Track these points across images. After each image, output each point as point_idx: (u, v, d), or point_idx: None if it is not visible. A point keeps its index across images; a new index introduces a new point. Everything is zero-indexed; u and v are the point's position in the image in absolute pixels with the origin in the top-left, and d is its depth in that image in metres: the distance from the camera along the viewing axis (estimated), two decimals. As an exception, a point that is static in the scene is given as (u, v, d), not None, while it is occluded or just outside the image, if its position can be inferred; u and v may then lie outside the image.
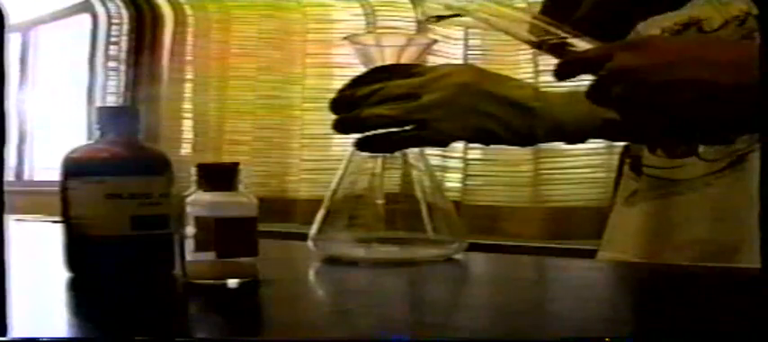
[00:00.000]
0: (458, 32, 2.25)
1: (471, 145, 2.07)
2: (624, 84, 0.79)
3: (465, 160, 2.24)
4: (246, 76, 2.72)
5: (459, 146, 2.17)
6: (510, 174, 2.18)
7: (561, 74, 0.83)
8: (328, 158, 2.40)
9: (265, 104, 2.68)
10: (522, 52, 2.15)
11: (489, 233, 2.15)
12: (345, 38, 0.96)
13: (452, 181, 2.26)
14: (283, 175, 2.63)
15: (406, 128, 0.87)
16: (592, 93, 0.81)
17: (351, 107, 0.88)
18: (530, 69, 2.12)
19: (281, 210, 2.49)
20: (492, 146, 0.90)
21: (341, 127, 0.89)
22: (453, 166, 2.26)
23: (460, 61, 2.18)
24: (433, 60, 2.17)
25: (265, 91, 2.68)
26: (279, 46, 2.66)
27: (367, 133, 0.88)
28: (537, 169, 2.12)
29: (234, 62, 2.75)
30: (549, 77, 2.17)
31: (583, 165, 2.04)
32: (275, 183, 2.62)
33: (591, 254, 1.16)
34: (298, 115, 2.59)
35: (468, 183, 2.23)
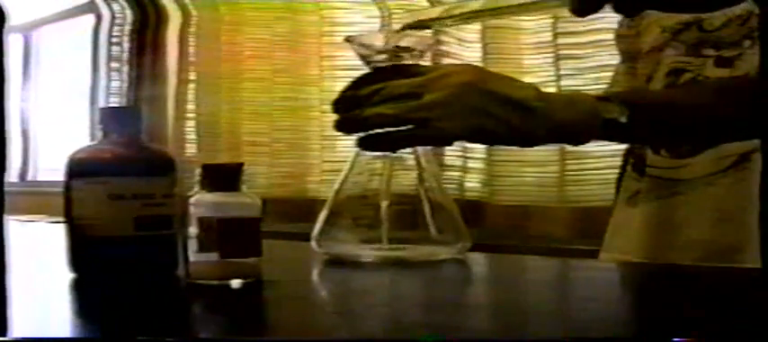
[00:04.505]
0: (475, 35, 2.24)
1: (494, 146, 2.05)
2: None
3: (490, 160, 2.22)
4: (260, 78, 2.72)
5: (480, 147, 2.15)
6: (537, 174, 2.16)
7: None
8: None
9: (282, 106, 2.68)
10: (542, 56, 2.13)
11: (516, 233, 2.14)
12: (346, 39, 0.96)
13: (473, 181, 2.25)
14: (304, 176, 2.63)
15: (408, 127, 0.87)
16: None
17: (353, 107, 0.88)
18: (551, 73, 2.10)
19: (304, 210, 2.48)
20: (501, 146, 0.90)
21: (343, 126, 0.89)
22: (474, 167, 2.25)
23: (479, 64, 2.17)
24: (447, 63, 2.16)
25: (281, 93, 2.68)
26: (294, 48, 2.66)
27: (369, 132, 0.88)
28: (563, 170, 2.11)
29: (236, 64, 2.75)
30: (570, 81, 2.16)
31: (610, 165, 2.02)
32: (296, 183, 2.62)
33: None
34: (316, 117, 2.59)
35: (494, 183, 2.21)
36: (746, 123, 0.88)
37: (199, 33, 2.85)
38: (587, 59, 2.04)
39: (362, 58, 0.95)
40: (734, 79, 1.01)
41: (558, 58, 2.09)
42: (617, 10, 0.86)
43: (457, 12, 0.98)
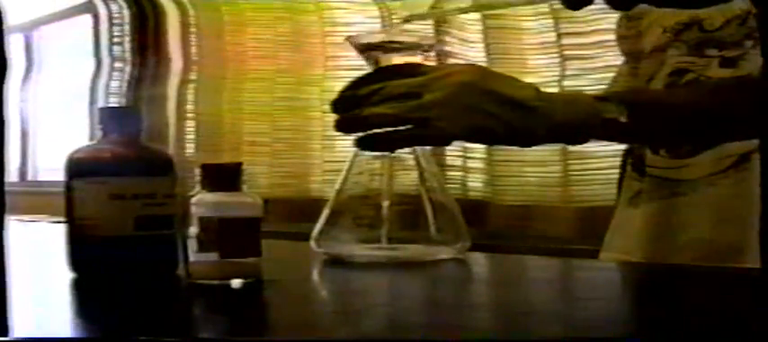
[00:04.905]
0: (478, 35, 2.23)
1: (493, 146, 2.04)
2: None
3: (492, 160, 2.22)
4: (261, 78, 2.72)
5: (482, 147, 2.15)
6: (539, 174, 2.16)
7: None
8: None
9: (283, 106, 2.68)
10: (546, 56, 2.13)
11: (518, 233, 2.14)
12: (347, 38, 0.96)
13: (475, 181, 2.25)
14: (305, 176, 2.63)
15: (407, 127, 0.87)
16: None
17: (352, 107, 0.88)
18: (556, 72, 2.10)
19: (305, 210, 2.47)
20: (501, 146, 0.90)
21: (342, 126, 0.89)
22: (476, 167, 2.25)
23: (483, 64, 2.16)
24: (448, 62, 2.16)
25: (282, 93, 2.68)
26: (294, 48, 2.66)
27: (368, 132, 0.88)
28: (566, 170, 2.10)
29: (237, 64, 2.75)
30: (574, 82, 2.15)
31: (613, 165, 2.01)
32: (297, 184, 2.62)
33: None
34: (318, 117, 2.59)
35: (497, 183, 2.21)
36: (746, 123, 0.88)
37: (199, 33, 2.85)
38: (591, 60, 2.03)
39: (363, 54, 0.95)
40: (734, 79, 1.01)
41: (562, 59, 2.09)
42: (610, 4, 0.86)
43: (451, 6, 0.97)
